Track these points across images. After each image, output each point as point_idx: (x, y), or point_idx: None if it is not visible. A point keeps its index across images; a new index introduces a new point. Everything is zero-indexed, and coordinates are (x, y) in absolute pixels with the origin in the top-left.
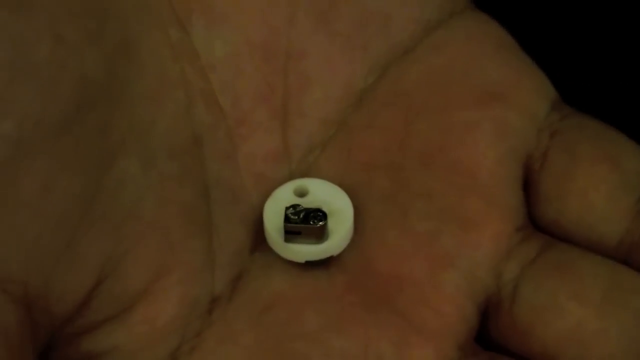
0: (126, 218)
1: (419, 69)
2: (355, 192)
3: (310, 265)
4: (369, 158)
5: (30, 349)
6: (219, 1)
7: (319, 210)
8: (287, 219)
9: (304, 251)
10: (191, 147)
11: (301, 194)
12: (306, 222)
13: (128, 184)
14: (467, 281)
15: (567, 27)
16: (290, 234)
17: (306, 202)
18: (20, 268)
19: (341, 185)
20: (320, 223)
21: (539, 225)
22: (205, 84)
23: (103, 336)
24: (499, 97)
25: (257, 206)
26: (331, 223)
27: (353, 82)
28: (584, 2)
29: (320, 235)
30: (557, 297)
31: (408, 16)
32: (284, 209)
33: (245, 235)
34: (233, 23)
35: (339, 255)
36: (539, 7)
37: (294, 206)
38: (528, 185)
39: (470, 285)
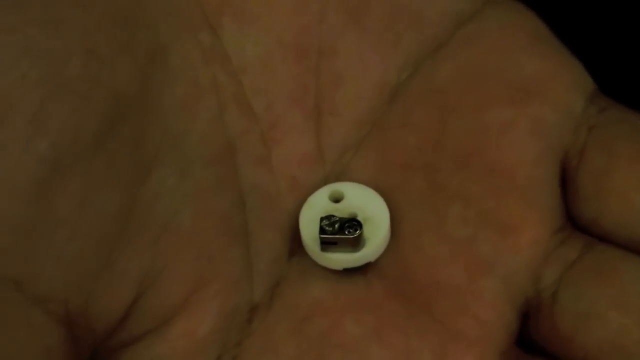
0: (163, 231)
1: (453, 65)
2: (390, 195)
3: (348, 271)
4: (404, 159)
5: None
6: (249, 2)
7: (354, 219)
8: (322, 230)
9: (341, 259)
10: (225, 154)
11: (336, 199)
12: (341, 232)
13: (164, 196)
14: (506, 286)
15: (605, 12)
16: (327, 243)
17: (341, 209)
18: (61, 287)
19: (376, 187)
20: (356, 233)
21: (578, 223)
22: (238, 88)
23: (143, 349)
24: (534, 93)
25: (293, 211)
26: (367, 229)
27: (386, 79)
28: None
29: (356, 244)
30: (597, 304)
31: (440, 9)
32: (319, 218)
33: (282, 241)
34: (264, 24)
35: (377, 261)
36: None
37: (328, 217)
38: (566, 183)
39: (509, 291)
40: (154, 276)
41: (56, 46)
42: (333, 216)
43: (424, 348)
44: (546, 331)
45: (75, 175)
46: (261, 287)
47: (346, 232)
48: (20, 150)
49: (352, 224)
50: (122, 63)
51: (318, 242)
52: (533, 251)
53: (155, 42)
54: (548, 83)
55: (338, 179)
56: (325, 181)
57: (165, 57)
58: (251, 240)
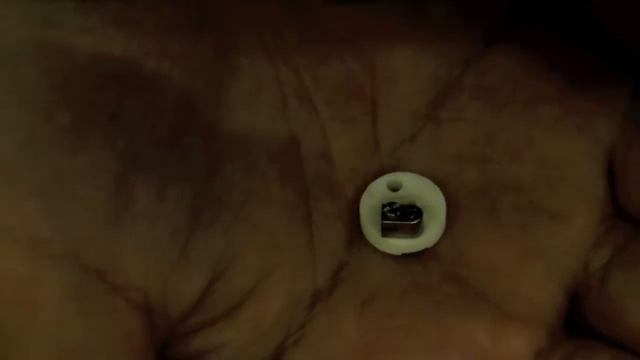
0: (234, 221)
1: (503, 62)
2: (445, 185)
3: (406, 257)
4: (457, 151)
5: (151, 350)
6: None
7: (414, 207)
8: (384, 216)
9: (400, 245)
10: (289, 147)
11: (394, 188)
12: (402, 218)
13: (234, 188)
14: (557, 270)
15: None
16: (387, 229)
17: (400, 197)
18: (140, 276)
19: (431, 177)
20: (416, 220)
21: (624, 213)
22: (299, 83)
23: (214, 333)
24: (582, 89)
25: (353, 200)
26: (425, 217)
27: (439, 75)
28: None
29: (416, 230)
30: None
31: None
32: (380, 204)
33: (343, 229)
34: None
35: (433, 247)
36: None
37: (390, 203)
38: (612, 175)
39: (559, 274)
40: (226, 264)
41: (132, 46)
42: (394, 203)
43: (480, 328)
44: (596, 313)
45: (152, 169)
46: (324, 273)
47: (407, 219)
48: (101, 147)
49: (413, 210)
50: (192, 61)
51: (378, 228)
52: (583, 237)
53: (221, 40)
54: (595, 80)
55: (394, 170)
56: (382, 171)
57: (231, 55)
58: (314, 228)
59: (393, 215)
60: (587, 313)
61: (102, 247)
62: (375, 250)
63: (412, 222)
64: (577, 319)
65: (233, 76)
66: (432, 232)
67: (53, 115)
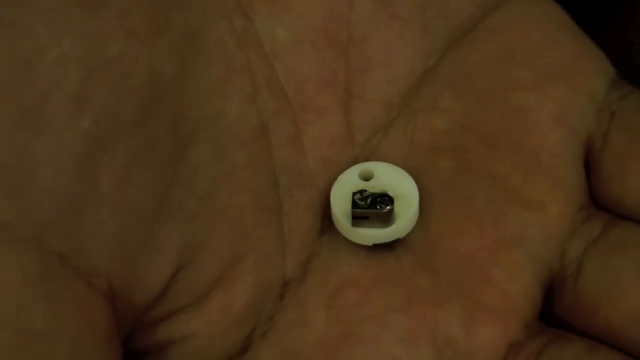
0: (200, 208)
1: (479, 51)
2: (419, 175)
3: (377, 247)
4: (432, 140)
5: (116, 339)
6: None
7: (385, 195)
8: (354, 204)
9: (371, 234)
10: (259, 135)
11: (366, 177)
12: (373, 207)
13: (200, 174)
14: (532, 261)
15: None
16: (358, 218)
17: (372, 186)
18: (104, 262)
19: (405, 167)
20: (387, 208)
21: (600, 203)
22: (270, 71)
23: (181, 323)
24: (558, 78)
25: (324, 190)
26: (397, 206)
27: (414, 64)
28: None
29: (387, 219)
30: (620, 275)
31: None
32: (351, 193)
33: (314, 219)
34: (295, 9)
35: (405, 237)
36: None
37: (360, 192)
38: (589, 165)
39: (535, 265)
40: (192, 251)
41: (97, 26)
42: (365, 191)
43: (452, 319)
44: (570, 304)
45: (117, 152)
46: (293, 263)
47: (378, 207)
48: (64, 127)
49: (384, 199)
50: (160, 44)
51: (349, 218)
52: (559, 226)
53: (190, 25)
54: (572, 69)
55: (367, 159)
56: (355, 161)
57: (200, 39)
58: (284, 218)
59: (363, 203)
60: (563, 306)
61: (64, 231)
62: (346, 240)
63: (383, 210)
64: (552, 310)
65: (203, 62)
66: (404, 222)
67: (13, 95)
